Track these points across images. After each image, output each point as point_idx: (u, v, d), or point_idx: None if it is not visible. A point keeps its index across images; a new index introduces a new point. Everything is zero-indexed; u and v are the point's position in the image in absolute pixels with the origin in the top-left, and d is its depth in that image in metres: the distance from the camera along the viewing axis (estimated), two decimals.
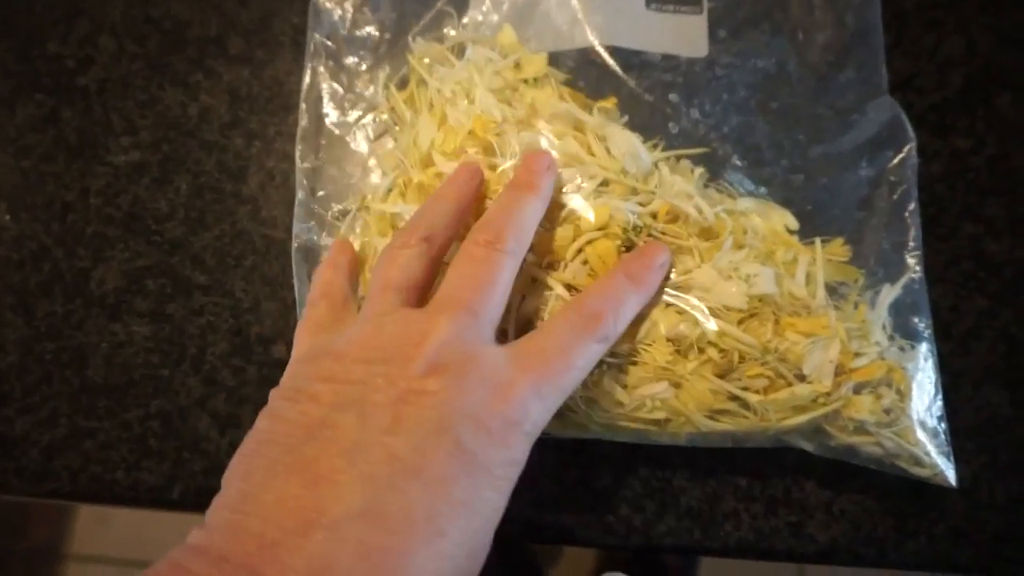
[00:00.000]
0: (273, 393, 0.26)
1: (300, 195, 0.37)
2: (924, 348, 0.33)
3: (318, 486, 0.22)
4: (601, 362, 0.32)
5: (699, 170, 0.36)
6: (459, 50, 0.38)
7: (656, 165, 0.36)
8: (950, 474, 0.31)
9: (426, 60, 0.38)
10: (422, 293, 0.29)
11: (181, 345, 0.38)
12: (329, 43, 0.38)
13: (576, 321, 0.27)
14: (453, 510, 0.23)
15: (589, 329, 0.27)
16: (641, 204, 0.34)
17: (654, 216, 0.34)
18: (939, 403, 0.32)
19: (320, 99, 0.38)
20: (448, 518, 0.23)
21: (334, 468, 0.23)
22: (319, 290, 0.31)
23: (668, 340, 0.32)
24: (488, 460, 0.24)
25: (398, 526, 0.22)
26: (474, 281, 0.27)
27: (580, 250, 0.33)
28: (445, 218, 0.30)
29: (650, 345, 0.32)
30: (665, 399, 0.32)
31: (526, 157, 0.31)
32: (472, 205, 0.31)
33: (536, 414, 0.25)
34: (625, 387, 0.32)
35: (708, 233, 0.34)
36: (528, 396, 0.25)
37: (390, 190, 0.37)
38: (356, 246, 0.36)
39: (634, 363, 0.32)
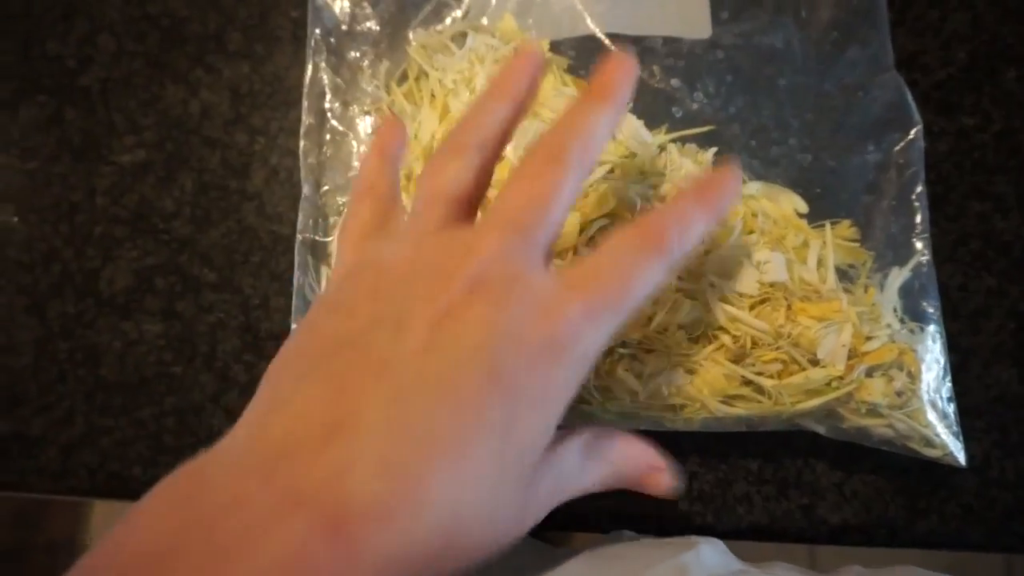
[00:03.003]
0: (315, 302, 0.26)
1: (305, 190, 0.37)
2: (933, 329, 0.33)
3: (342, 398, 0.21)
4: (613, 351, 0.32)
5: (711, 151, 0.36)
6: (460, 40, 0.38)
7: (665, 148, 0.36)
8: (960, 455, 0.32)
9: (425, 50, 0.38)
10: (472, 205, 0.26)
11: (192, 343, 0.39)
12: (330, 39, 0.38)
13: (635, 237, 0.24)
14: (481, 433, 0.21)
15: (649, 246, 0.24)
16: (652, 187, 0.34)
17: (663, 199, 0.34)
18: (948, 384, 0.32)
19: (322, 94, 0.38)
20: (475, 442, 0.21)
21: (361, 384, 0.21)
22: (364, 184, 0.28)
23: (681, 327, 0.32)
24: (527, 384, 0.22)
25: (420, 444, 0.21)
26: (529, 200, 0.24)
27: (592, 237, 0.33)
28: (500, 122, 0.26)
29: (663, 332, 0.32)
30: (680, 386, 0.32)
31: (604, 62, 0.27)
32: (531, 102, 0.28)
33: (588, 338, 0.23)
34: (640, 376, 0.32)
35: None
36: (578, 318, 0.23)
37: None
38: None
39: (648, 351, 0.32)
